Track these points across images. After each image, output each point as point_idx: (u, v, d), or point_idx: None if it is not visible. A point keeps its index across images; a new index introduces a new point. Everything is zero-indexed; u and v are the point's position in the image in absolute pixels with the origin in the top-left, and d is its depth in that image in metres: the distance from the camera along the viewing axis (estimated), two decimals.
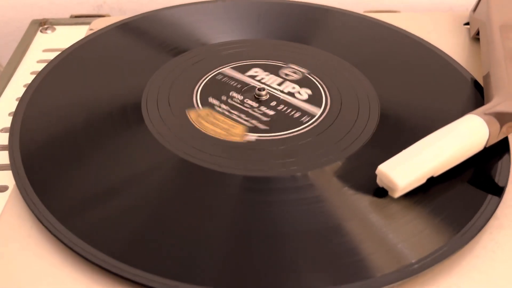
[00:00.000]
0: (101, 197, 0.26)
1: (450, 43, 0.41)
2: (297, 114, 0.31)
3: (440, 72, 0.36)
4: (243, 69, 0.35)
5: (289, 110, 0.31)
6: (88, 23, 0.45)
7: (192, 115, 0.30)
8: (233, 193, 0.26)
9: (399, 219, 0.25)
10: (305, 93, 0.33)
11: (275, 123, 0.30)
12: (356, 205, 0.26)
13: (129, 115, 0.31)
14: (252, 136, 0.29)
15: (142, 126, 0.30)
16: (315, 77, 0.34)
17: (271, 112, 0.31)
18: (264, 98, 0.32)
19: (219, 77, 0.34)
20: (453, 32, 0.43)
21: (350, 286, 0.22)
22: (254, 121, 0.30)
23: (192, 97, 0.32)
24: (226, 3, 0.42)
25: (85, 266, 0.24)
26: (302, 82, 0.34)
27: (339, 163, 0.28)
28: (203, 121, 0.30)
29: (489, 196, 0.26)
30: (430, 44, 0.38)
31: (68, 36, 0.44)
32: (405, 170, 0.25)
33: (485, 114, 0.27)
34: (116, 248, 0.24)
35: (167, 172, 0.28)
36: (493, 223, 0.26)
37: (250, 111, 0.31)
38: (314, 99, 0.32)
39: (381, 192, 0.26)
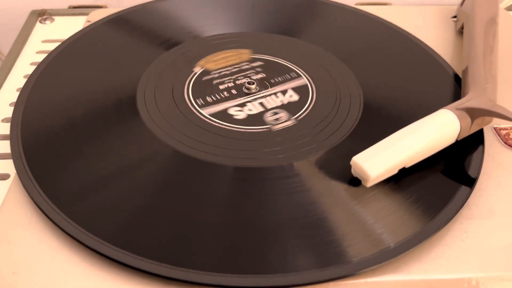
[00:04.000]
0: (97, 185, 0.28)
1: (438, 36, 0.42)
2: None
3: (424, 66, 0.37)
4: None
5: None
6: (86, 14, 0.46)
7: (201, 63, 0.31)
8: (223, 182, 0.28)
9: (376, 206, 0.27)
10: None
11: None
12: (337, 193, 0.28)
13: (124, 108, 0.32)
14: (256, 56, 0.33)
15: (136, 118, 0.31)
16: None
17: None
18: (253, 91, 0.34)
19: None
20: (441, 25, 0.44)
21: (333, 268, 0.24)
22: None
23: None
24: None
25: (82, 251, 0.25)
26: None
27: (322, 154, 0.29)
28: (212, 63, 0.31)
29: (461, 186, 0.28)
30: (416, 38, 0.39)
31: (66, 27, 0.45)
32: (377, 161, 0.26)
33: (457, 109, 0.28)
34: (112, 234, 0.25)
35: (160, 161, 0.29)
36: (464, 213, 0.28)
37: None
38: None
39: (356, 181, 0.28)
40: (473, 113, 0.28)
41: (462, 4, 0.44)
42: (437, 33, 0.43)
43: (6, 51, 0.43)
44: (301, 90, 0.34)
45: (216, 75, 0.35)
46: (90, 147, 0.30)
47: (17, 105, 0.32)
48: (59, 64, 0.36)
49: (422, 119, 0.28)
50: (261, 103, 0.33)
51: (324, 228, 0.26)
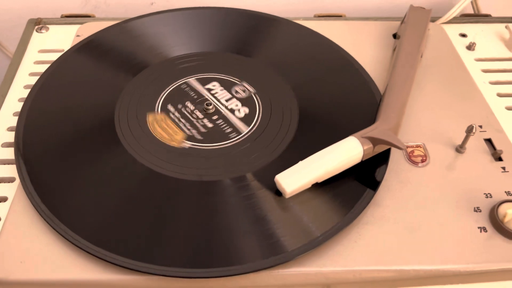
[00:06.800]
0: (81, 192, 0.36)
1: (375, 54, 0.48)
2: (229, 130, 0.40)
3: (357, 88, 0.43)
4: (203, 82, 0.44)
5: (224, 125, 0.40)
6: (78, 23, 0.53)
7: (149, 118, 0.38)
8: (184, 193, 0.35)
9: (299, 211, 0.35)
10: (243, 111, 0.41)
11: (209, 135, 0.39)
12: (277, 198, 0.35)
13: (103, 129, 0.39)
14: (187, 144, 0.38)
15: (114, 138, 0.39)
16: (257, 96, 0.43)
17: (210, 125, 0.40)
18: (210, 111, 0.41)
19: (183, 86, 0.43)
20: (383, 43, 0.50)
21: (273, 258, 0.32)
22: (194, 131, 0.39)
23: (155, 105, 0.41)
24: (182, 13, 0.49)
25: (69, 246, 0.33)
26: (246, 101, 0.42)
27: (265, 165, 0.37)
28: (156, 125, 0.38)
29: (362, 197, 0.35)
30: (352, 58, 0.45)
31: (60, 36, 0.52)
32: (293, 180, 0.34)
33: (362, 137, 0.36)
34: (90, 233, 0.33)
35: (132, 175, 0.37)
36: (362, 219, 0.35)
37: (194, 121, 0.40)
38: (248, 118, 0.41)
39: (280, 192, 0.36)
40: (374, 141, 0.36)
41: (402, 21, 0.50)
42: (376, 51, 0.48)
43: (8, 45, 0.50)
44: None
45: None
46: (76, 158, 0.38)
47: (18, 126, 0.39)
48: (50, 87, 0.43)
49: (333, 145, 0.36)
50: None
51: (269, 226, 0.34)
